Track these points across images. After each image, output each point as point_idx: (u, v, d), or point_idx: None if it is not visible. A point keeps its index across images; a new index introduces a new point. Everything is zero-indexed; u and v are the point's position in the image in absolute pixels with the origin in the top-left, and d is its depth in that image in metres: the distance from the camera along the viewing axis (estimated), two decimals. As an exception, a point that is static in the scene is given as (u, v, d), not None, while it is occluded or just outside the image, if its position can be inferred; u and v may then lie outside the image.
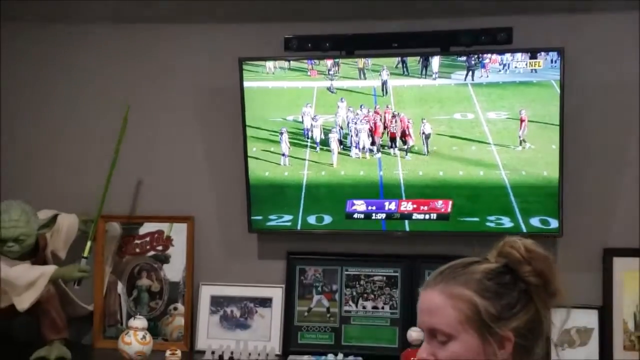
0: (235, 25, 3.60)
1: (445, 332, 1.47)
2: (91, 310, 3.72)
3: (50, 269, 3.39)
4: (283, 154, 3.55)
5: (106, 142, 3.59)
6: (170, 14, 3.64)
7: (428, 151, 3.45)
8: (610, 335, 3.30)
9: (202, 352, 3.42)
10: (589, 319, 3.31)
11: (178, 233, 3.72)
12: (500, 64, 3.25)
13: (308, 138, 3.59)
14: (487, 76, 3.30)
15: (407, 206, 3.41)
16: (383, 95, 3.47)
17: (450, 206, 3.38)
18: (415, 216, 3.39)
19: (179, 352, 3.34)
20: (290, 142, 3.57)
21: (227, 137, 3.64)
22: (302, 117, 3.54)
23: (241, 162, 3.49)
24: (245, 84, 3.37)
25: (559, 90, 3.16)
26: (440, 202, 3.38)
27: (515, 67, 3.23)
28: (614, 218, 3.37)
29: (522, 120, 3.29)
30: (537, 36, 3.27)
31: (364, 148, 3.54)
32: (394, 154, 3.53)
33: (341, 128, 3.53)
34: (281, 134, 3.54)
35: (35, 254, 3.50)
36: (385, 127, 3.48)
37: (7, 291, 3.36)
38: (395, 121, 3.44)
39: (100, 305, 3.72)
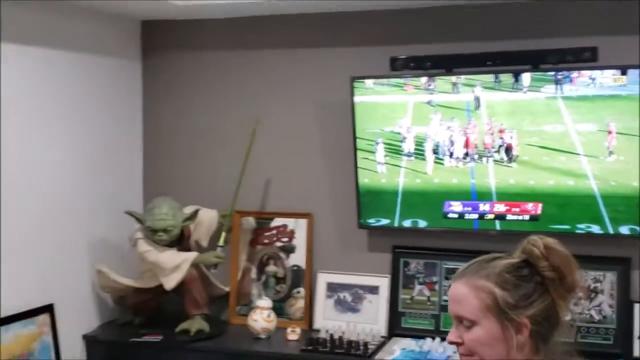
0: (345, 48, 3.83)
1: (469, 319, 1.58)
2: (227, 291, 4.04)
3: (192, 255, 3.71)
4: (379, 163, 3.71)
5: (239, 149, 3.89)
6: (291, 41, 3.93)
7: (516, 161, 3.50)
8: None
9: (318, 331, 3.66)
10: None
11: (300, 227, 3.99)
12: (589, 78, 3.28)
13: (404, 148, 3.71)
14: (577, 89, 3.33)
15: (499, 208, 3.51)
16: (475, 109, 3.55)
17: (540, 208, 3.43)
18: (508, 217, 3.49)
19: (298, 330, 3.65)
20: (386, 151, 3.71)
21: (339, 146, 3.85)
22: (399, 128, 3.67)
23: (351, 167, 3.72)
24: (355, 99, 3.60)
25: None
26: (531, 204, 3.44)
27: (601, 82, 3.25)
28: None
29: (609, 132, 3.30)
30: (621, 54, 3.27)
31: (457, 157, 3.63)
32: (486, 162, 3.60)
33: (434, 139, 3.63)
34: (377, 143, 3.68)
35: (181, 242, 3.82)
36: (468, 137, 3.56)
37: (157, 273, 3.70)
38: (492, 132, 3.51)
39: (235, 287, 4.04)
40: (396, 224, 3.69)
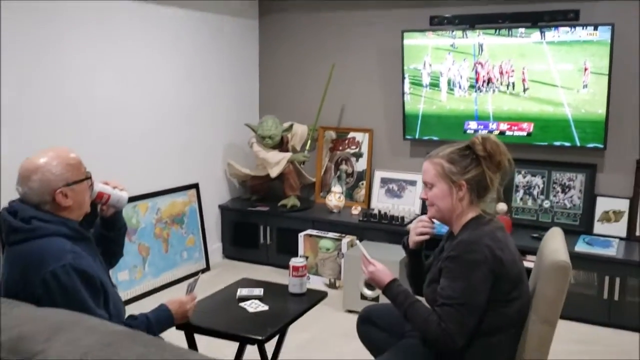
0: (397, 10, 4.44)
1: (429, 183, 1.92)
2: (314, 180, 4.80)
3: (288, 154, 4.44)
4: (405, 93, 4.31)
5: (322, 83, 4.57)
6: (358, 5, 4.56)
7: (510, 92, 4.01)
8: (635, 217, 3.86)
9: (373, 209, 4.39)
10: (623, 205, 3.89)
11: (364, 139, 4.73)
12: (569, 27, 3.75)
13: (424, 81, 4.23)
14: (559, 36, 3.80)
15: (503, 126, 4.14)
16: (480, 53, 4.06)
17: (532, 127, 4.03)
18: (507, 133, 4.11)
19: (359, 208, 4.43)
20: (410, 84, 4.28)
21: (391, 81, 4.48)
22: (423, 65, 4.19)
23: (399, 96, 4.40)
24: (405, 42, 4.23)
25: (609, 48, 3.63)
26: (525, 124, 4.06)
27: (579, 34, 3.72)
28: None
29: (585, 69, 3.76)
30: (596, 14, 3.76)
31: (464, 89, 4.15)
32: (485, 92, 4.09)
33: (447, 75, 4.14)
34: (404, 78, 4.27)
35: (281, 146, 4.53)
36: (481, 74, 4.03)
37: (266, 166, 4.44)
38: (493, 69, 4.01)
39: (319, 178, 4.82)
40: (417, 137, 4.37)
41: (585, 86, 3.80)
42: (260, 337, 1.96)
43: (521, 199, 4.19)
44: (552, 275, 1.74)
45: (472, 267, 1.77)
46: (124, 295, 3.69)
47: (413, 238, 2.12)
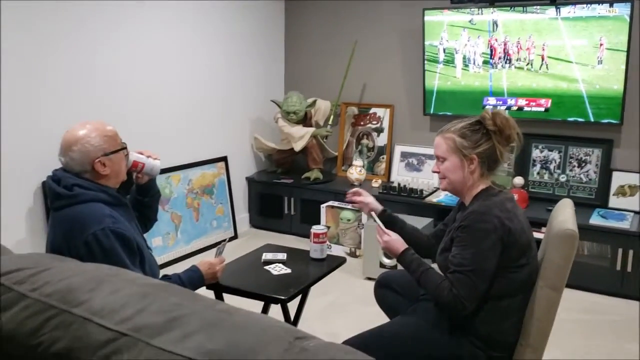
0: None
1: (441, 156, 1.94)
2: (336, 154, 4.87)
3: (312, 129, 4.49)
4: (425, 69, 4.31)
5: (345, 60, 4.62)
6: None
7: (527, 68, 3.98)
8: None
9: (393, 182, 4.46)
10: (637, 179, 3.88)
11: (385, 114, 4.77)
12: (585, 3, 3.69)
13: (439, 57, 4.23)
14: (574, 12, 3.76)
15: (521, 102, 4.12)
16: (495, 29, 4.02)
17: (550, 103, 4.00)
18: (526, 108, 4.10)
19: (380, 181, 4.49)
20: (427, 60, 4.27)
21: (411, 58, 4.50)
22: (440, 41, 4.19)
23: (419, 70, 4.42)
24: (426, 18, 4.23)
25: (629, 24, 3.57)
26: (543, 100, 4.04)
27: (594, 7, 3.67)
28: None
29: (601, 45, 3.71)
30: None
31: (479, 65, 4.13)
32: (501, 68, 4.06)
33: (462, 51, 4.12)
34: (424, 54, 4.25)
35: (305, 121, 4.60)
36: (497, 50, 4.00)
37: (290, 140, 4.51)
38: (506, 45, 3.98)
39: (341, 152, 4.88)
40: (432, 112, 4.39)
41: (600, 62, 3.76)
42: (283, 297, 2.04)
43: (538, 173, 4.20)
44: (559, 243, 1.78)
45: (482, 236, 1.81)
46: (158, 260, 3.79)
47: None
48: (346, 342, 1.92)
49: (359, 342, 1.95)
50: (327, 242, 2.41)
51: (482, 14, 4.06)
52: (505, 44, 4.04)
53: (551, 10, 3.85)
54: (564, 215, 1.90)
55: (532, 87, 4.05)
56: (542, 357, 1.88)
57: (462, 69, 4.23)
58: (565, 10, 3.80)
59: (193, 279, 2.08)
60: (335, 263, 2.39)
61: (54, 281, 1.20)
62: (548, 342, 2.83)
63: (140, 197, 2.21)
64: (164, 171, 3.99)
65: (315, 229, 2.46)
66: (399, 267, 2.15)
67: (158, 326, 1.03)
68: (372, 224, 3.58)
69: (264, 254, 2.44)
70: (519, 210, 1.93)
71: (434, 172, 2.00)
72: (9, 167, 3.01)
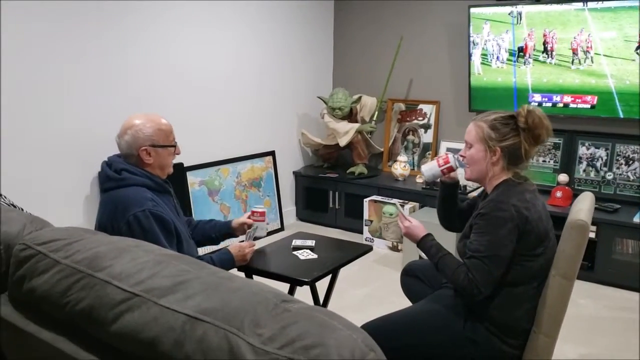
0: None
1: (469, 143, 2.01)
2: (381, 150, 4.91)
3: (357, 125, 4.55)
4: (471, 65, 4.28)
5: (391, 57, 4.68)
6: None
7: (551, 64, 3.90)
8: None
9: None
10: None
11: (431, 111, 4.77)
12: None
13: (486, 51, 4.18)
14: (602, 2, 3.66)
15: (567, 99, 4.05)
16: (519, 22, 3.97)
17: (596, 100, 3.91)
18: (572, 105, 4.03)
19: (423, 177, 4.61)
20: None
21: (456, 54, 4.51)
22: (486, 36, 4.15)
23: (464, 66, 4.44)
24: (472, 10, 4.21)
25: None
26: (589, 97, 3.94)
27: None
28: None
29: None
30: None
31: (502, 60, 4.09)
32: (526, 63, 3.99)
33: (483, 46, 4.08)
34: (470, 51, 4.21)
35: (351, 117, 4.67)
36: (523, 43, 3.93)
37: (335, 135, 4.59)
38: (532, 39, 3.92)
39: (387, 148, 4.93)
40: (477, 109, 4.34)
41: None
42: (306, 280, 2.15)
43: (584, 170, 4.13)
44: (571, 233, 1.81)
45: (499, 224, 1.85)
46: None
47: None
48: (364, 326, 2.00)
49: (377, 324, 2.03)
50: (266, 221, 2.46)
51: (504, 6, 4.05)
52: (550, 37, 3.97)
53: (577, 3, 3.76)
54: (580, 206, 1.92)
55: (557, 82, 4.02)
56: (555, 344, 1.90)
57: (506, 62, 4.19)
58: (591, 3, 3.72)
59: (224, 260, 2.22)
60: (361, 250, 2.47)
61: (83, 250, 1.36)
62: (583, 337, 2.84)
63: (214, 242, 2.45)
64: (214, 164, 4.18)
65: (255, 207, 2.48)
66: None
67: (166, 288, 1.17)
68: (414, 217, 3.80)
69: (293, 241, 2.55)
70: (538, 201, 1.96)
71: (461, 156, 2.06)
72: (68, 156, 3.23)
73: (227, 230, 2.42)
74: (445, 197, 2.30)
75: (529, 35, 4.02)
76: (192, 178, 3.98)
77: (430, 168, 2.16)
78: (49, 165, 3.12)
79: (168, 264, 1.25)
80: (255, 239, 2.43)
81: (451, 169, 2.15)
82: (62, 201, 3.20)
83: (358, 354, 0.91)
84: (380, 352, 0.94)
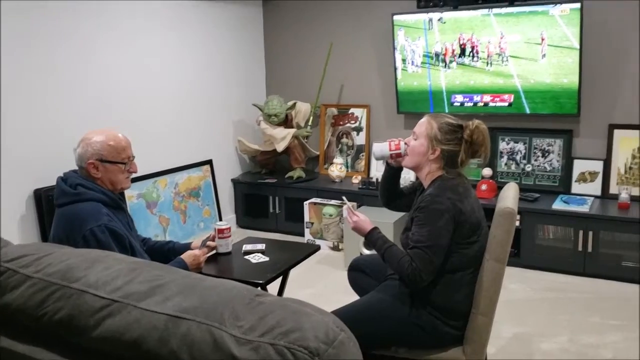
0: None
1: (417, 134, 2.14)
2: (317, 154, 5.04)
3: (293, 130, 4.67)
4: (396, 69, 4.50)
5: (322, 63, 4.81)
6: None
7: (464, 65, 4.18)
8: (609, 177, 4.07)
9: (372, 177, 4.62)
10: (597, 166, 4.10)
11: (362, 114, 4.94)
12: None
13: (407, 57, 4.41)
14: (507, 8, 3.98)
15: (486, 98, 4.32)
16: (430, 28, 4.25)
17: (513, 98, 4.19)
18: (491, 104, 4.31)
19: (360, 177, 4.68)
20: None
21: (384, 60, 4.68)
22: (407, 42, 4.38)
23: (391, 71, 4.62)
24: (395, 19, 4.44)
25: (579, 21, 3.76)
26: (506, 95, 4.23)
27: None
28: (614, 105, 4.05)
29: (542, 39, 3.91)
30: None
31: (417, 65, 4.36)
32: (439, 67, 4.28)
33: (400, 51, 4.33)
34: (395, 56, 4.46)
35: (286, 123, 4.77)
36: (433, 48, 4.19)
37: (272, 141, 4.67)
38: (442, 44, 4.19)
39: (322, 151, 5.06)
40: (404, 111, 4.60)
41: (543, 56, 3.99)
42: (261, 281, 2.25)
43: (505, 164, 4.42)
44: (500, 219, 2.01)
45: (437, 216, 2.02)
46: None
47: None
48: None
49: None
50: (231, 237, 2.55)
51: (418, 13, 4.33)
52: (471, 41, 4.24)
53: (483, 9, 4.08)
54: (506, 195, 2.13)
55: (469, 84, 4.31)
56: (492, 322, 2.09)
57: (421, 65, 4.46)
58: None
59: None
60: (310, 250, 2.59)
61: (54, 263, 1.42)
62: (516, 318, 3.08)
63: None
64: (150, 176, 4.17)
65: (218, 225, 2.54)
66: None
67: (143, 292, 1.25)
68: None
69: (244, 246, 2.64)
70: (470, 193, 2.15)
71: (405, 143, 2.18)
72: (2, 176, 3.16)
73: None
74: (388, 177, 2.44)
75: (442, 41, 4.27)
76: (129, 191, 3.95)
77: (381, 149, 2.27)
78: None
79: (142, 271, 1.33)
80: (222, 254, 2.50)
81: (399, 155, 2.26)
82: None
83: (331, 334, 1.03)
84: (349, 332, 1.07)
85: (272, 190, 4.80)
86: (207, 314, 1.14)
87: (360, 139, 4.95)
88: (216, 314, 1.14)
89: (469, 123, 2.08)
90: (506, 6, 4.05)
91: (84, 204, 2.08)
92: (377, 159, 2.36)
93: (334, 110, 5.03)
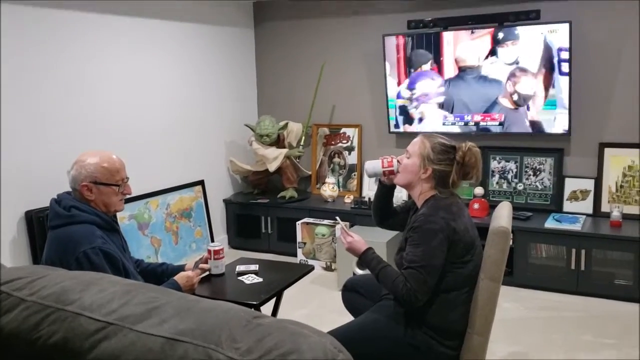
0: (379, 15, 4.70)
1: (410, 152, 2.16)
2: (310, 173, 5.04)
3: (285, 150, 4.68)
4: (387, 89, 4.56)
5: (314, 84, 4.83)
6: (344, 13, 4.84)
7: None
8: (600, 195, 4.10)
9: (364, 197, 4.60)
10: (588, 184, 4.14)
11: (354, 134, 4.96)
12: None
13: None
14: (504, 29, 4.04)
15: (477, 117, 4.35)
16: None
17: (503, 117, 4.24)
18: (482, 123, 4.34)
19: (352, 197, 4.68)
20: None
21: (375, 80, 4.71)
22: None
23: (382, 91, 4.64)
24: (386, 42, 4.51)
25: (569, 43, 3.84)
26: (497, 114, 4.27)
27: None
28: (605, 124, 4.11)
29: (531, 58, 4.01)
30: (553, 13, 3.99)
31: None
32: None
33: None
34: (386, 77, 4.51)
35: (278, 143, 4.79)
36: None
37: (264, 161, 4.67)
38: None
39: (314, 171, 5.07)
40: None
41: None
42: (255, 302, 2.24)
43: (497, 182, 4.45)
44: (494, 238, 2.02)
45: (431, 235, 2.03)
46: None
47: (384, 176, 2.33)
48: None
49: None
50: (224, 258, 2.55)
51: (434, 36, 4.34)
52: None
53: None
54: (500, 214, 2.14)
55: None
56: (488, 342, 2.09)
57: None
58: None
59: (172, 290, 2.27)
60: (303, 270, 2.59)
61: (49, 285, 1.41)
62: (510, 337, 3.08)
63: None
64: (142, 197, 4.16)
65: (212, 246, 2.55)
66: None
67: (139, 315, 1.24)
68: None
69: (237, 266, 2.64)
70: (464, 213, 2.16)
71: (398, 161, 2.19)
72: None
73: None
74: (381, 195, 2.45)
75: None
76: (120, 212, 3.92)
77: (373, 166, 2.28)
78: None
79: (137, 293, 1.33)
80: (215, 275, 2.49)
81: (392, 173, 2.26)
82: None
83: (330, 355, 1.03)
84: (347, 353, 1.07)
85: (264, 211, 4.79)
86: (204, 336, 1.14)
87: (352, 159, 4.97)
88: (213, 336, 1.13)
89: (462, 145, 2.10)
90: (496, 27, 4.09)
91: (77, 227, 2.07)
92: (370, 176, 2.36)
93: (326, 130, 5.06)
